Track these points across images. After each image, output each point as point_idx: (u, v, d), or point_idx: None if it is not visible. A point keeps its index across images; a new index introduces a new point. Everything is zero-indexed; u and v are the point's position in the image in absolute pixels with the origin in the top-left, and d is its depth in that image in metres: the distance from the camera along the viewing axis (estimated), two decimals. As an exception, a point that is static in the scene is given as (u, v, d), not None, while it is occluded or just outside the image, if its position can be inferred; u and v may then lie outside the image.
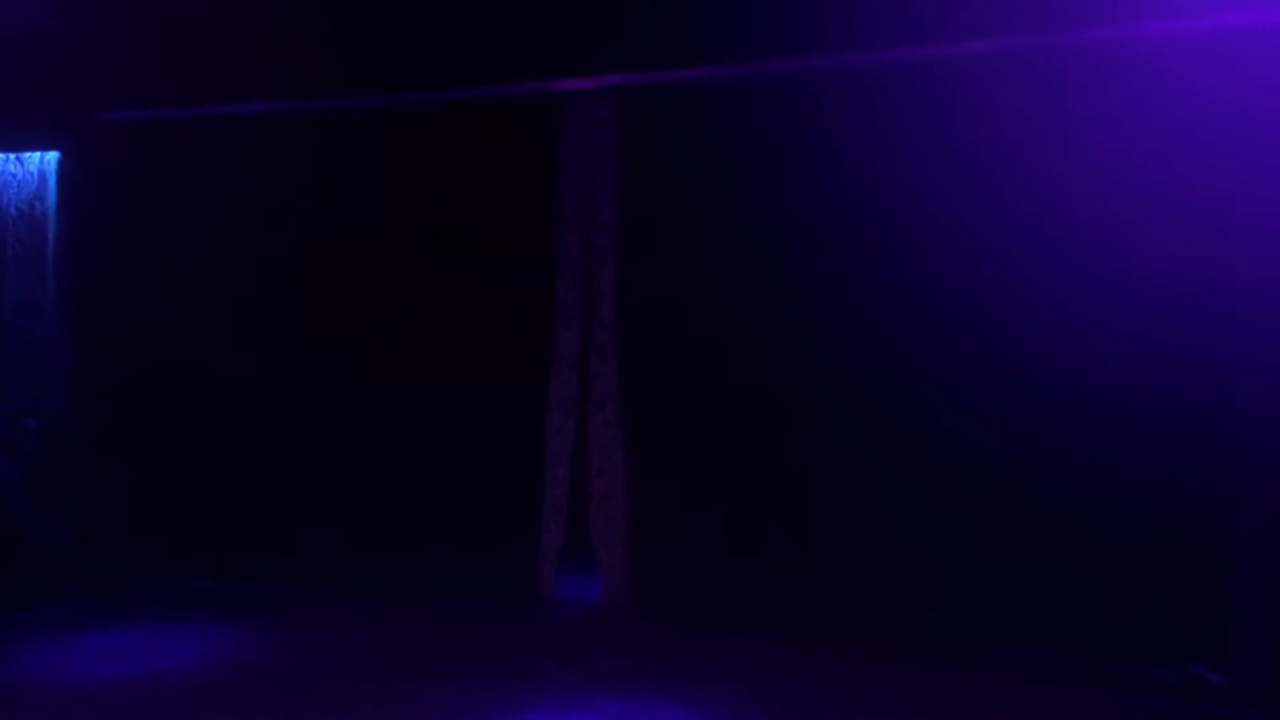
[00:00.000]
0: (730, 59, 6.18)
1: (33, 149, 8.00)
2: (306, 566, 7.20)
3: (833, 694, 5.38)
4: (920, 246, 5.90)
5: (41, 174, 8.01)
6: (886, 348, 6.05)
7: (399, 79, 6.88)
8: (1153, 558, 5.52)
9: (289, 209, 7.39)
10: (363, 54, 6.92)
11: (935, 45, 5.74)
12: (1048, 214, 5.61)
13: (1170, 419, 5.44)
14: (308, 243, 7.35)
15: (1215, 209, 5.33)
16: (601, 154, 6.61)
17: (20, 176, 8.06)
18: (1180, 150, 5.35)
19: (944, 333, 5.86)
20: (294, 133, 7.31)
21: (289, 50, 6.94)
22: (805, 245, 6.23)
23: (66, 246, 7.87)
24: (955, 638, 5.89)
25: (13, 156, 8.06)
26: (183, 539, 7.55)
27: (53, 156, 7.95)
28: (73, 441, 7.85)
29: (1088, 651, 5.66)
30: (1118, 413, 5.56)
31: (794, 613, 6.16)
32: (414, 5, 6.77)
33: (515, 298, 6.87)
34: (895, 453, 6.03)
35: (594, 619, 6.59)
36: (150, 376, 7.72)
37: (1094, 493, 5.63)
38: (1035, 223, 5.63)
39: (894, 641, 5.91)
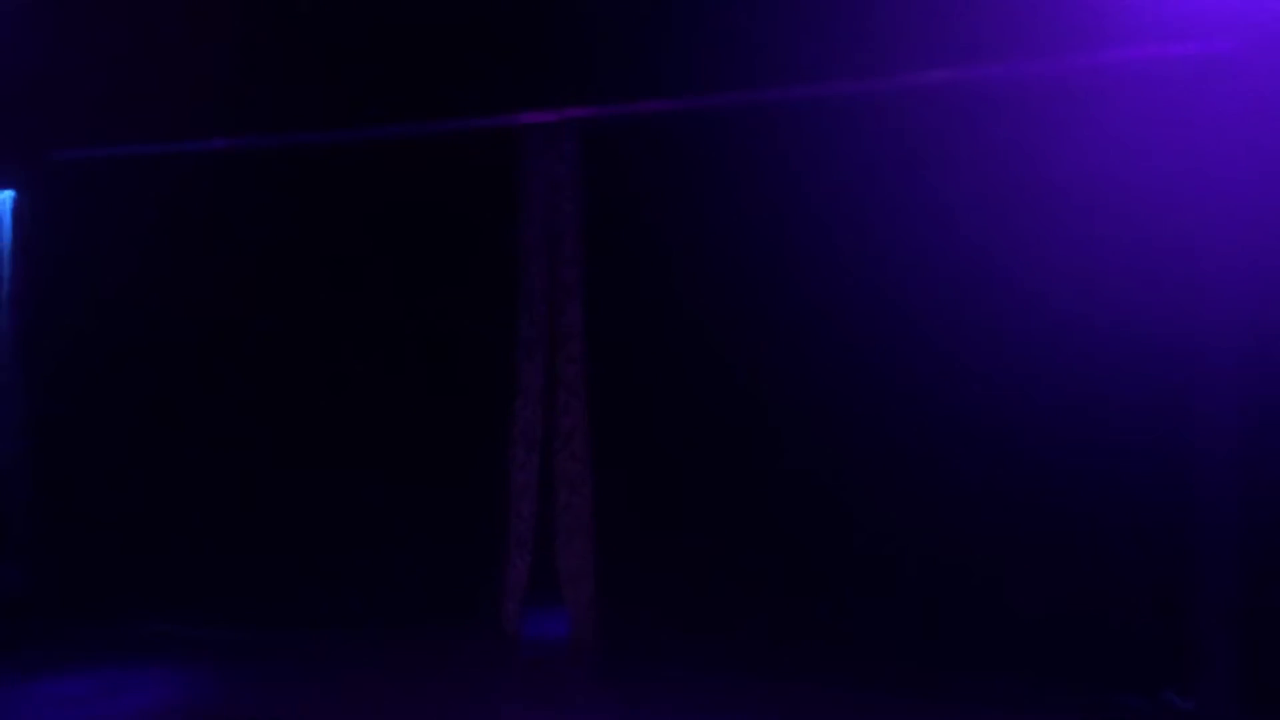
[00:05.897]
0: (693, 91, 6.20)
1: (-13, 188, 7.91)
2: (267, 607, 7.08)
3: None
4: (885, 275, 5.92)
5: (-4, 213, 7.92)
6: (856, 378, 6.05)
7: (358, 114, 6.86)
8: (1120, 585, 5.53)
9: (248, 246, 7.34)
10: (322, 90, 6.90)
11: (895, 76, 5.78)
12: (1009, 238, 5.64)
13: (1136, 448, 5.48)
14: (267, 280, 7.30)
15: (1180, 234, 5.39)
16: (564, 188, 6.58)
17: (-26, 216, 7.96)
18: (1142, 176, 5.42)
19: (915, 362, 5.88)
20: (253, 170, 7.27)
21: (247, 87, 6.92)
22: (772, 276, 6.24)
23: (21, 285, 7.77)
24: (923, 668, 5.85)
25: (-34, 196, 7.96)
26: (141, 582, 7.40)
27: (7, 195, 7.85)
28: (27, 484, 7.70)
29: (1056, 679, 5.64)
30: (1084, 443, 5.58)
31: (764, 648, 6.11)
32: (375, 40, 6.76)
33: (479, 332, 6.83)
34: (867, 484, 6.02)
35: (561, 656, 6.50)
36: (106, 418, 7.62)
37: (1060, 522, 5.64)
38: (997, 247, 5.67)
39: (864, 673, 5.87)
